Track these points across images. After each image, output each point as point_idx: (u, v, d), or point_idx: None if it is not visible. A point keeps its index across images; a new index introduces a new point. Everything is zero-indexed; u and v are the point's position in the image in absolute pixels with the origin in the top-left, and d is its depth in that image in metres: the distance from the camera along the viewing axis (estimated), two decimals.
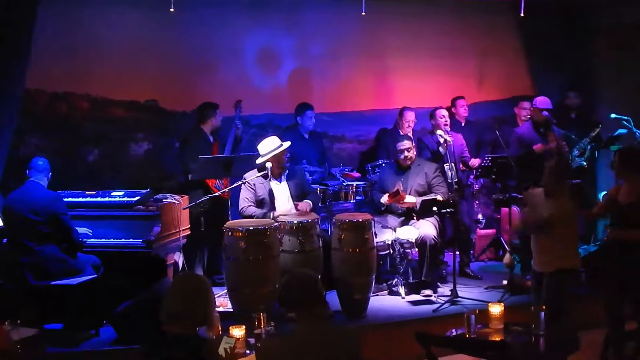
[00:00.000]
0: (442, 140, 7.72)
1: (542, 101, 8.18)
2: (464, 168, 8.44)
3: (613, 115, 8.64)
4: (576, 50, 9.87)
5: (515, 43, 10.07)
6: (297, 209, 7.14)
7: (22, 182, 6.38)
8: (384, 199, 7.48)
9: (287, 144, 7.24)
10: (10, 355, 4.43)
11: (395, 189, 7.35)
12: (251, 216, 7.05)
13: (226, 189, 7.39)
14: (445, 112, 8.16)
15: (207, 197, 7.07)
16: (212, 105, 8.07)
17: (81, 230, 6.50)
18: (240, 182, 7.19)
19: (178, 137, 8.56)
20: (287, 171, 7.36)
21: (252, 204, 7.18)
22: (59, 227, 6.27)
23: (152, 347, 3.75)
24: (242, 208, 7.18)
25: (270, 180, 7.19)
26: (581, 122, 9.07)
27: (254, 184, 7.20)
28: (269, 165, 7.02)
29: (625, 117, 8.56)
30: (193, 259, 7.70)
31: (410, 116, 8.70)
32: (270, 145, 7.15)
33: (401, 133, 8.39)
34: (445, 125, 7.99)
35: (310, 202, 7.20)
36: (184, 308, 3.70)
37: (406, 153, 7.55)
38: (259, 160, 7.12)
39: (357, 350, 3.75)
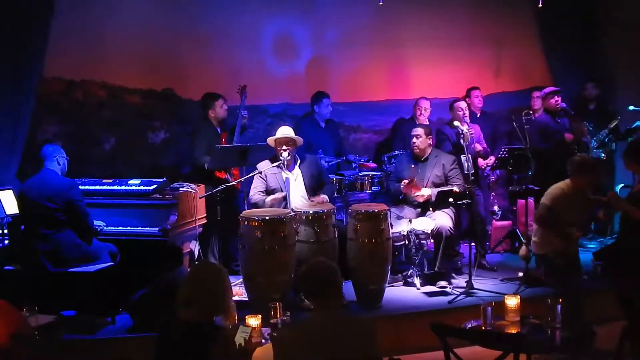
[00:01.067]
0: (460, 131, 7.68)
1: (547, 90, 8.19)
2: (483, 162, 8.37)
3: (631, 108, 8.61)
4: (594, 42, 9.80)
5: (532, 33, 10.01)
6: (313, 201, 7.14)
7: (39, 169, 6.40)
8: (402, 183, 7.45)
9: (284, 129, 7.25)
10: (28, 341, 4.45)
11: (409, 178, 7.34)
12: (256, 204, 7.06)
13: (242, 179, 7.38)
14: (464, 105, 8.11)
15: (224, 186, 7.07)
16: (212, 96, 8.02)
17: (95, 222, 6.52)
18: (254, 173, 7.19)
19: (194, 125, 8.58)
20: (299, 161, 7.34)
21: (261, 193, 7.19)
22: (74, 213, 6.29)
23: (168, 335, 3.77)
24: (250, 196, 7.21)
25: (283, 170, 7.19)
26: (599, 113, 9.02)
27: (266, 175, 7.20)
28: (285, 154, 7.01)
29: None
30: (207, 248, 7.71)
31: (424, 104, 8.69)
32: (278, 132, 7.21)
33: (417, 123, 8.37)
34: (464, 117, 7.95)
35: (326, 196, 7.18)
36: (200, 296, 3.72)
37: (414, 139, 7.54)
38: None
39: (373, 340, 3.75)
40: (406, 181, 7.38)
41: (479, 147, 8.17)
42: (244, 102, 8.10)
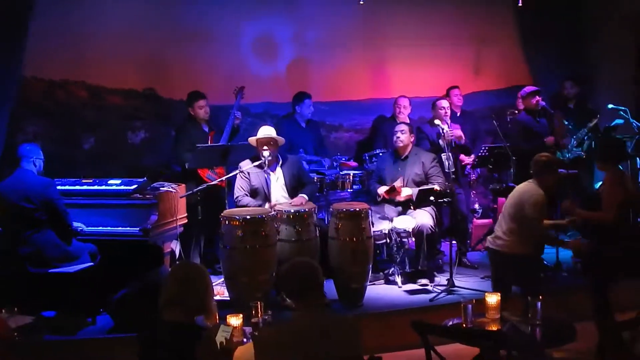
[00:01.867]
0: (441, 131, 7.71)
1: (527, 89, 8.23)
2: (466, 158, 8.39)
3: (610, 106, 8.67)
4: (574, 40, 9.87)
5: (513, 32, 10.09)
6: (291, 204, 7.13)
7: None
8: (381, 190, 7.47)
9: (265, 129, 7.25)
10: (7, 343, 4.43)
11: (391, 185, 7.36)
12: (246, 206, 7.05)
13: (223, 178, 7.38)
14: (446, 103, 8.12)
15: (205, 185, 7.06)
16: (194, 95, 7.97)
17: (75, 224, 6.48)
18: (236, 172, 7.19)
19: (175, 125, 8.56)
20: (280, 161, 7.34)
21: (247, 193, 7.18)
22: (53, 212, 6.25)
23: (149, 335, 3.75)
24: (237, 197, 7.17)
25: (265, 170, 7.18)
26: (579, 112, 9.07)
27: (248, 173, 7.20)
28: (266, 154, 7.01)
29: (622, 108, 8.58)
30: (190, 248, 7.69)
31: (402, 102, 8.73)
32: (259, 132, 7.21)
33: (398, 121, 8.39)
34: (446, 115, 7.97)
35: (305, 196, 7.16)
36: (181, 296, 3.71)
37: (399, 134, 7.56)
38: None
39: (357, 338, 3.75)
40: (383, 190, 7.40)
41: (458, 133, 8.14)
42: (238, 103, 8.09)
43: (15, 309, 5.09)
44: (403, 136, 7.55)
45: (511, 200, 6.19)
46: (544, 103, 8.16)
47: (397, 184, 7.35)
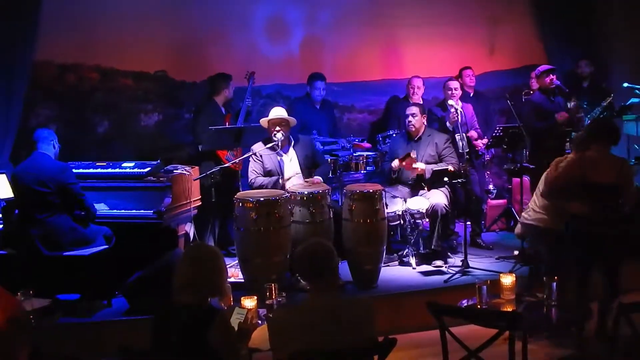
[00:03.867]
0: (453, 111, 7.66)
1: (541, 68, 8.15)
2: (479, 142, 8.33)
3: (625, 84, 8.58)
4: (588, 18, 9.76)
5: (526, 10, 9.98)
6: (306, 181, 7.12)
7: (32, 153, 6.38)
8: (395, 162, 7.43)
9: (277, 110, 7.24)
10: (23, 326, 4.44)
11: (404, 153, 7.33)
12: (261, 186, 7.04)
13: (237, 160, 7.38)
14: (456, 84, 8.09)
15: (218, 168, 7.07)
16: (225, 77, 8.02)
17: (98, 206, 6.51)
18: (249, 154, 7.19)
19: (188, 107, 8.56)
20: (293, 142, 7.32)
21: (260, 175, 7.17)
22: (69, 197, 6.26)
23: (162, 318, 3.75)
24: (251, 180, 7.17)
25: (278, 151, 7.17)
26: (593, 91, 9.00)
27: (261, 155, 7.19)
28: (279, 136, 6.99)
29: (638, 86, 8.50)
30: (204, 230, 7.71)
31: (416, 82, 8.64)
32: (271, 113, 7.20)
33: (411, 102, 8.35)
34: (453, 96, 7.92)
35: (320, 177, 7.16)
36: (195, 278, 3.71)
37: (410, 118, 7.51)
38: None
39: (371, 320, 3.75)
40: (397, 160, 7.36)
41: (475, 134, 8.14)
42: (251, 86, 8.10)
43: (31, 291, 5.09)
44: (414, 119, 7.50)
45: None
46: (558, 82, 8.09)
47: (412, 154, 7.31)
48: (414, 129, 7.52)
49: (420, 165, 7.32)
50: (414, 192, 7.43)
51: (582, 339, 5.58)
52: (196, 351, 3.56)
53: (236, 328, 4.06)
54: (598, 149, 5.72)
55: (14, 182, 6.41)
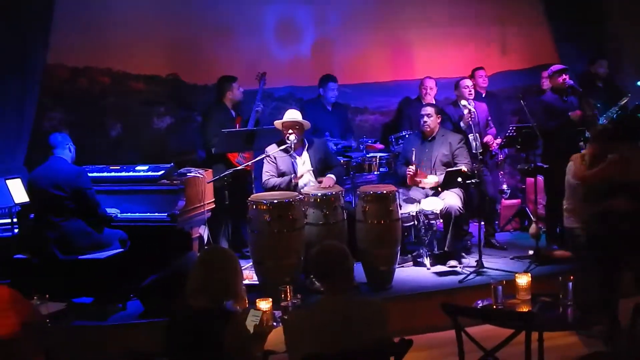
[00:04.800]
0: (466, 112, 7.65)
1: (553, 68, 8.11)
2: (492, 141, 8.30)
3: (639, 83, 8.54)
4: (601, 17, 9.72)
5: (538, 10, 9.94)
6: (320, 184, 7.11)
7: (46, 158, 6.40)
8: (407, 173, 7.44)
9: (291, 112, 7.23)
10: (39, 330, 4.46)
11: (411, 170, 7.33)
12: (274, 187, 7.04)
13: (249, 162, 7.39)
14: (469, 83, 8.07)
15: (231, 170, 7.07)
16: (229, 79, 8.02)
17: (110, 210, 6.52)
18: (262, 156, 7.19)
19: (200, 110, 8.56)
20: (306, 144, 7.32)
21: (274, 176, 7.17)
22: (83, 201, 6.28)
23: (178, 322, 3.75)
24: (265, 181, 7.17)
25: (291, 154, 7.17)
26: (608, 91, 8.95)
27: (275, 158, 7.19)
28: (292, 138, 6.99)
29: None
30: (218, 232, 7.71)
31: (429, 83, 8.64)
32: (285, 115, 7.20)
33: (424, 102, 8.33)
34: (470, 95, 7.92)
35: (333, 177, 7.13)
36: (209, 281, 3.70)
37: (425, 119, 7.51)
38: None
39: (383, 320, 3.74)
40: (411, 171, 7.35)
41: (490, 139, 8.15)
42: (262, 89, 8.10)
43: (47, 295, 5.12)
44: (429, 120, 7.50)
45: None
46: (571, 82, 8.04)
47: (412, 170, 7.33)
48: (428, 129, 7.51)
49: (430, 180, 7.32)
50: (428, 193, 7.40)
51: (605, 338, 5.55)
52: (210, 354, 3.56)
53: (252, 330, 4.05)
54: (630, 147, 5.77)
55: (29, 186, 6.44)
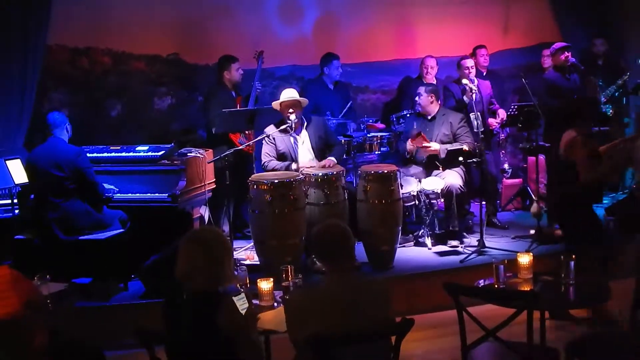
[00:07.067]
0: (467, 89, 7.62)
1: (556, 46, 8.08)
2: (494, 121, 8.26)
3: None
4: None
5: None
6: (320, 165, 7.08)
7: (45, 139, 6.38)
8: (408, 144, 7.44)
9: (288, 91, 7.19)
10: (40, 310, 4.46)
11: (415, 132, 7.30)
12: (274, 170, 7.03)
13: (250, 142, 7.37)
14: (471, 62, 8.02)
15: (231, 150, 7.04)
16: (228, 59, 7.96)
17: (107, 186, 6.51)
18: (261, 137, 7.16)
19: (201, 90, 8.54)
20: (305, 123, 7.29)
21: (273, 158, 7.16)
22: (83, 181, 6.28)
23: (171, 303, 3.73)
24: (264, 163, 7.16)
25: (291, 133, 7.14)
26: (608, 69, 8.92)
27: (274, 138, 7.16)
28: (293, 117, 6.96)
29: None
30: (219, 213, 7.70)
31: (430, 62, 8.61)
32: (282, 95, 7.15)
33: (424, 82, 8.30)
34: (470, 75, 7.87)
35: (333, 159, 7.12)
36: (207, 263, 3.62)
37: (416, 98, 7.56)
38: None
39: (387, 301, 3.74)
40: (410, 140, 7.34)
41: (494, 122, 8.14)
42: (260, 68, 8.06)
43: (48, 276, 5.11)
44: (419, 99, 7.53)
45: None
46: (573, 59, 8.01)
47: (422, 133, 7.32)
48: (420, 109, 7.52)
49: (433, 145, 7.29)
50: (428, 172, 7.40)
51: (601, 319, 5.55)
52: (208, 337, 3.54)
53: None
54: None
55: (29, 167, 6.43)
